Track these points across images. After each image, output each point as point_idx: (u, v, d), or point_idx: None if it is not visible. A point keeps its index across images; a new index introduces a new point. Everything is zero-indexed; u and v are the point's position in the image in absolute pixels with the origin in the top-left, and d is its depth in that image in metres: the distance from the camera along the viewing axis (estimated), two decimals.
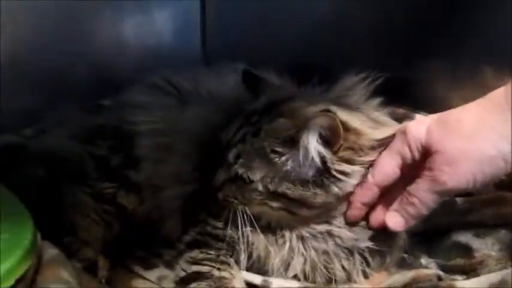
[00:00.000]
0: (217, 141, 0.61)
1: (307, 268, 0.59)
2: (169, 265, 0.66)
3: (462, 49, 0.83)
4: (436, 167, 0.51)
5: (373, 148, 0.55)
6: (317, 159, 0.53)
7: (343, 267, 0.59)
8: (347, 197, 0.56)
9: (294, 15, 0.95)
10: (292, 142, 0.54)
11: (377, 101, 0.64)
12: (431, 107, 0.84)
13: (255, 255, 0.61)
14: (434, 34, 0.85)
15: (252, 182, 0.56)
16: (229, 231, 0.61)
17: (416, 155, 0.54)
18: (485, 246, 0.64)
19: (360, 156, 0.55)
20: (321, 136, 0.53)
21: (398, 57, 0.90)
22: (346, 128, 0.54)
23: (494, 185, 0.69)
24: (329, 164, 0.53)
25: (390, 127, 0.58)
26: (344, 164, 0.54)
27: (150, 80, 0.76)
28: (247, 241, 0.59)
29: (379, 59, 0.90)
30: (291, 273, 0.60)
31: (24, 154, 0.72)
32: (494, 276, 0.59)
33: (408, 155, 0.54)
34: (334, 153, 0.53)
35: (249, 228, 0.59)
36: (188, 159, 0.67)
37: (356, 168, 0.55)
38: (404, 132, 0.54)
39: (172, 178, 0.68)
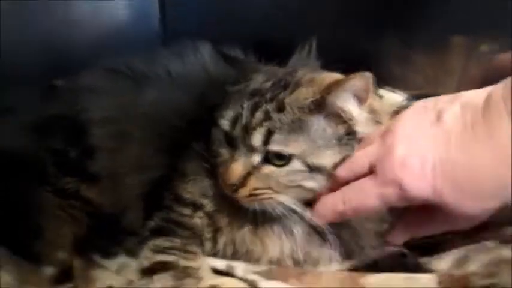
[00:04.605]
0: (183, 122, 0.60)
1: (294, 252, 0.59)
2: (131, 253, 0.64)
3: (433, 21, 0.83)
4: None
5: (389, 115, 0.57)
6: (351, 119, 0.53)
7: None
8: None
9: None
10: (322, 106, 0.53)
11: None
12: (395, 81, 0.85)
13: (242, 251, 0.60)
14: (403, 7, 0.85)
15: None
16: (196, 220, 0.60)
17: None
18: None
19: (377, 121, 0.55)
20: (354, 96, 0.53)
21: (364, 29, 0.89)
22: None
23: None
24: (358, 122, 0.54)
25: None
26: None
27: (104, 63, 0.73)
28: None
29: (343, 30, 0.89)
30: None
31: None
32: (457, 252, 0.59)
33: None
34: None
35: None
36: (149, 145, 0.65)
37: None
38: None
39: (132, 165, 0.65)
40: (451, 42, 0.81)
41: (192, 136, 0.63)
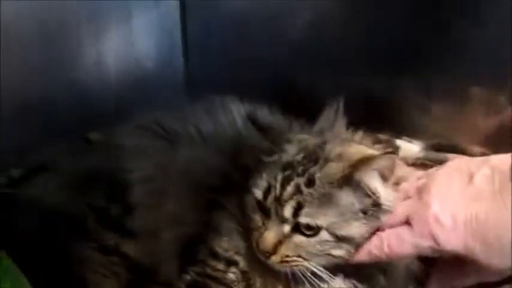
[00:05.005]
0: (215, 181, 0.64)
1: None
2: None
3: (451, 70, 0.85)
4: None
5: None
6: (377, 194, 0.57)
7: None
8: None
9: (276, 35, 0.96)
10: (350, 181, 0.57)
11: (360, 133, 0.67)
12: (411, 129, 0.88)
13: None
14: (421, 53, 0.87)
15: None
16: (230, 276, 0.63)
17: None
18: None
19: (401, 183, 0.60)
20: (379, 173, 0.57)
21: (381, 77, 0.92)
22: None
23: None
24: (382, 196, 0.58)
25: None
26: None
27: (138, 121, 0.76)
28: None
29: (362, 76, 0.92)
30: None
31: (15, 203, 0.70)
32: None
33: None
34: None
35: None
36: (184, 202, 0.69)
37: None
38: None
39: (168, 222, 0.69)
40: (468, 92, 0.84)
41: (225, 195, 0.67)
